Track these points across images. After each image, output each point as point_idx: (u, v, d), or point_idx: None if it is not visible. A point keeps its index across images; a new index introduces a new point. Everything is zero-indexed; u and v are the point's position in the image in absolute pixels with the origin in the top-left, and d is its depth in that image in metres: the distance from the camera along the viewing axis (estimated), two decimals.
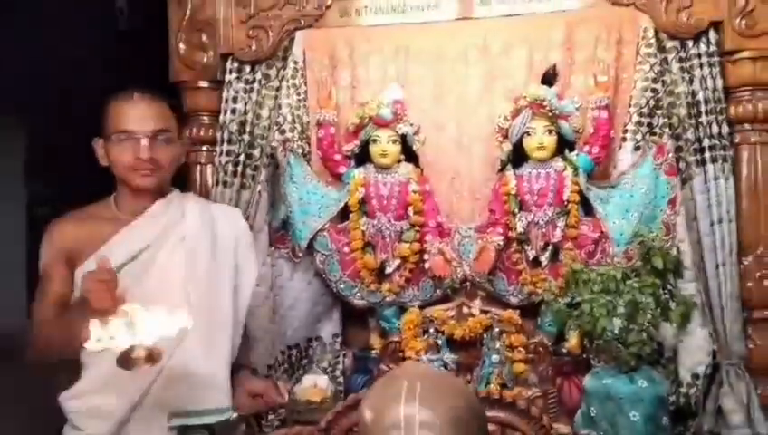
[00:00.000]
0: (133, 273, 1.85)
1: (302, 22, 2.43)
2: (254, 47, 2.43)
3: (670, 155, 2.27)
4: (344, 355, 2.52)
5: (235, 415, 1.86)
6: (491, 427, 1.24)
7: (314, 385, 2.31)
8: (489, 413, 1.19)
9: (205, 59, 2.45)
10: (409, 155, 2.43)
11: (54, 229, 1.91)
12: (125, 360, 1.58)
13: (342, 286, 2.45)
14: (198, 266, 1.91)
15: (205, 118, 2.49)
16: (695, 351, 2.23)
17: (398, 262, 2.42)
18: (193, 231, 1.95)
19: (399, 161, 2.42)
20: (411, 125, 2.41)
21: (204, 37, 2.44)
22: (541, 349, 2.30)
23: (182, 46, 2.45)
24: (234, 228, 2.05)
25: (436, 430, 0.92)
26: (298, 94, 2.49)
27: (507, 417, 1.46)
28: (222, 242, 1.99)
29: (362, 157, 2.43)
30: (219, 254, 1.97)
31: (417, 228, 2.40)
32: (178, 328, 1.62)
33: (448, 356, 2.27)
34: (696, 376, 2.22)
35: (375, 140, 2.39)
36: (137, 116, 1.87)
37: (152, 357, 1.59)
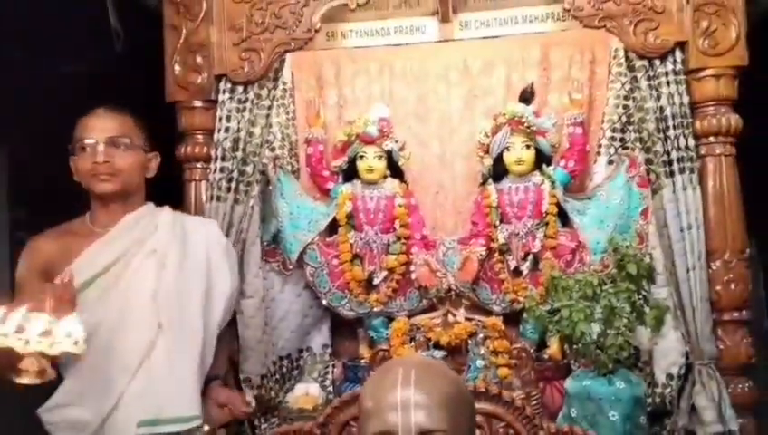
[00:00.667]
0: (104, 286, 1.90)
1: (292, 45, 2.53)
2: (246, 69, 2.52)
3: (641, 168, 2.39)
4: (334, 365, 2.59)
5: (205, 427, 1.90)
6: (478, 418, 1.33)
7: (306, 393, 2.36)
8: (476, 405, 1.28)
9: (199, 80, 2.54)
10: (395, 170, 2.52)
11: (31, 246, 1.97)
12: (13, 368, 1.56)
13: (332, 298, 2.52)
14: (167, 279, 1.94)
15: (199, 136, 2.57)
16: (669, 352, 2.33)
17: (385, 273, 2.50)
18: (163, 244, 1.99)
19: (385, 177, 2.51)
20: (396, 142, 2.50)
21: (198, 59, 2.53)
22: (523, 354, 2.37)
23: (177, 68, 2.53)
24: (206, 240, 2.07)
25: (430, 410, 1.01)
26: (287, 113, 2.58)
27: (493, 408, 1.55)
28: (193, 254, 2.02)
29: (350, 173, 2.52)
30: (189, 266, 1.99)
31: (403, 241, 2.48)
32: (80, 340, 1.58)
33: (437, 353, 2.34)
34: (670, 376, 2.33)
35: (362, 157, 2.48)
36: (95, 126, 1.95)
37: (42, 374, 1.58)
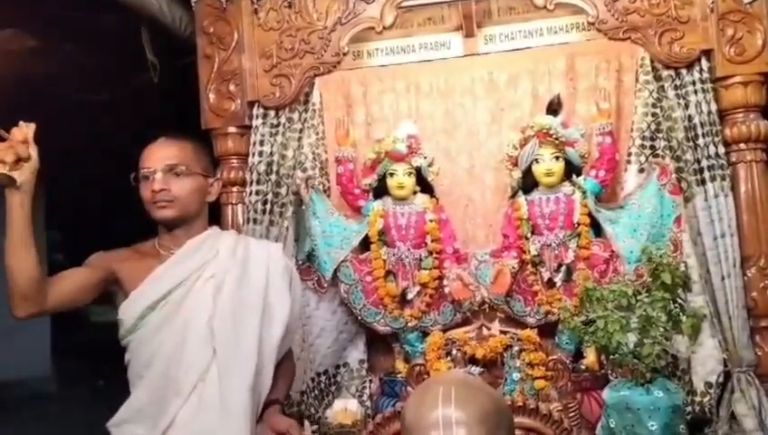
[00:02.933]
0: (166, 310, 1.94)
1: (321, 68, 2.60)
2: (277, 94, 2.59)
3: (673, 175, 2.38)
4: (371, 380, 2.63)
5: None
6: (517, 433, 1.35)
7: (345, 409, 2.38)
8: (515, 420, 1.30)
9: (233, 107, 2.61)
10: (425, 186, 2.55)
11: (110, 251, 2.02)
12: None
13: (366, 314, 2.56)
14: (222, 304, 1.95)
15: (234, 161, 2.64)
16: (706, 360, 2.32)
17: (418, 288, 2.52)
18: (221, 269, 2.00)
19: (415, 192, 2.54)
20: (425, 158, 2.53)
21: (231, 87, 2.61)
22: (560, 366, 2.37)
23: (211, 96, 2.61)
24: (266, 263, 2.06)
25: (471, 427, 1.04)
26: (317, 134, 2.64)
27: (531, 422, 1.57)
28: (253, 278, 2.02)
29: (380, 190, 2.56)
30: (247, 290, 1.99)
31: (435, 255, 2.51)
32: None
33: (474, 369, 2.35)
34: (709, 384, 2.32)
35: (392, 174, 2.52)
36: (153, 154, 1.99)
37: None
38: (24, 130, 1.79)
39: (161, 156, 1.98)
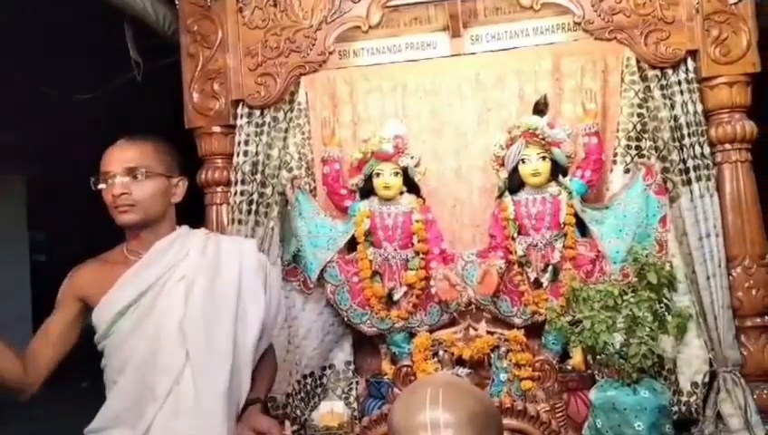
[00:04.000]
0: (137, 314, 1.91)
1: (307, 67, 2.57)
2: (262, 93, 2.57)
3: (658, 176, 2.40)
4: (357, 382, 2.61)
5: None
6: (505, 434, 1.35)
7: (331, 411, 2.38)
8: (503, 421, 1.29)
9: (217, 106, 2.58)
10: (411, 186, 2.54)
11: (74, 274, 1.99)
12: None
13: (353, 315, 2.55)
14: (194, 305, 1.92)
15: (218, 161, 2.61)
16: (692, 360, 2.33)
17: (405, 289, 2.52)
18: (192, 269, 1.96)
19: (402, 193, 2.54)
20: (412, 158, 2.52)
21: (215, 86, 2.58)
22: (547, 366, 2.38)
23: (195, 95, 2.58)
24: (239, 261, 2.01)
25: (459, 429, 1.04)
26: (303, 133, 2.62)
27: (519, 424, 1.56)
28: (226, 277, 1.97)
29: (366, 190, 2.55)
30: (220, 290, 1.95)
31: (422, 256, 2.50)
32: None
33: (462, 371, 2.35)
34: (695, 384, 2.32)
35: (378, 174, 2.51)
36: (112, 157, 1.94)
37: None
38: None
39: (120, 158, 1.93)
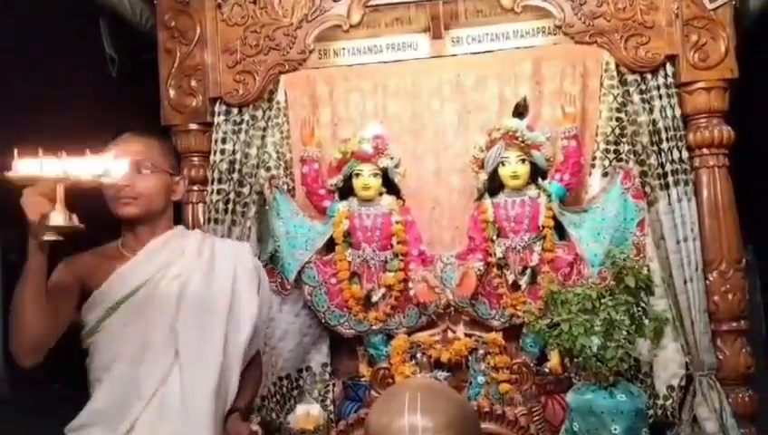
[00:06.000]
0: (129, 311, 1.89)
1: (286, 66, 2.56)
2: (241, 91, 2.54)
3: (636, 180, 2.41)
4: (334, 384, 2.59)
5: None
6: None
7: (307, 414, 2.35)
8: (482, 425, 1.28)
9: (194, 103, 2.55)
10: (391, 187, 2.53)
11: (70, 260, 1.96)
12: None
13: (330, 316, 2.52)
14: (187, 305, 1.91)
15: (195, 159, 2.58)
16: (669, 364, 2.35)
17: (383, 291, 2.50)
18: (187, 268, 1.96)
19: (381, 194, 2.52)
20: (392, 159, 2.51)
21: (193, 82, 2.55)
22: (524, 369, 2.38)
23: (172, 92, 2.55)
24: (233, 264, 2.02)
25: (436, 434, 1.02)
26: (281, 133, 2.60)
27: (498, 428, 1.55)
28: (219, 279, 1.97)
29: (345, 191, 2.53)
30: (213, 292, 1.95)
31: (400, 257, 2.49)
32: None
33: (440, 374, 2.34)
34: (671, 388, 2.34)
35: (357, 175, 2.49)
36: (118, 151, 1.90)
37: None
38: None
39: (126, 151, 1.91)
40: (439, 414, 1.06)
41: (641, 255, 2.38)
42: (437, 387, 1.19)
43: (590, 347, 2.04)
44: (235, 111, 2.56)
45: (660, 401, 2.34)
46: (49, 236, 1.61)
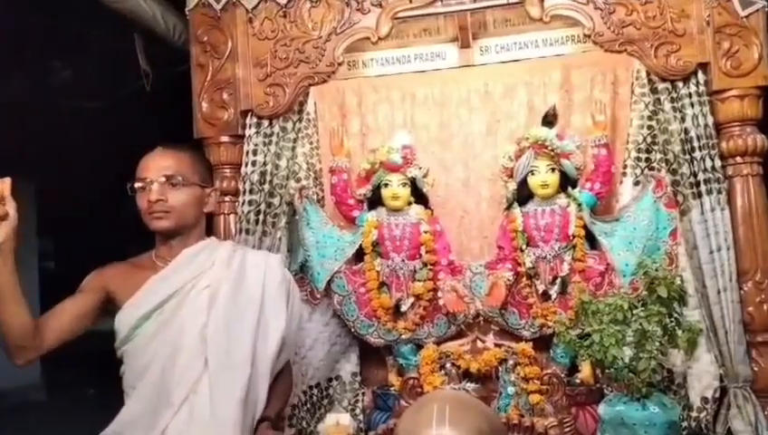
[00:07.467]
0: (160, 320, 1.92)
1: (316, 78, 2.58)
2: (271, 103, 2.57)
3: (668, 188, 2.37)
4: (363, 393, 2.59)
5: None
6: None
7: (337, 423, 2.35)
8: None
9: (226, 116, 2.59)
10: (419, 197, 2.54)
11: (103, 269, 2.01)
12: None
13: (360, 326, 2.53)
14: (217, 315, 1.93)
15: (226, 170, 2.62)
16: (703, 375, 2.31)
17: (412, 300, 2.50)
18: (216, 279, 1.98)
19: (410, 203, 2.53)
20: (420, 168, 2.52)
21: (225, 96, 2.59)
22: (555, 380, 2.35)
23: (204, 105, 2.59)
24: (263, 275, 2.03)
25: None
26: (311, 143, 2.62)
27: None
28: (249, 290, 1.99)
29: (374, 200, 2.54)
30: (243, 302, 1.97)
31: (429, 267, 2.49)
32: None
33: (469, 385, 2.33)
34: (705, 400, 2.30)
35: (386, 185, 2.50)
36: (150, 165, 1.98)
37: None
38: (0, 187, 1.73)
39: (158, 166, 1.97)
40: (467, 427, 1.06)
41: (674, 264, 2.34)
42: (466, 399, 1.20)
43: (621, 358, 2.01)
44: (266, 123, 2.59)
45: (694, 413, 2.30)
46: None
